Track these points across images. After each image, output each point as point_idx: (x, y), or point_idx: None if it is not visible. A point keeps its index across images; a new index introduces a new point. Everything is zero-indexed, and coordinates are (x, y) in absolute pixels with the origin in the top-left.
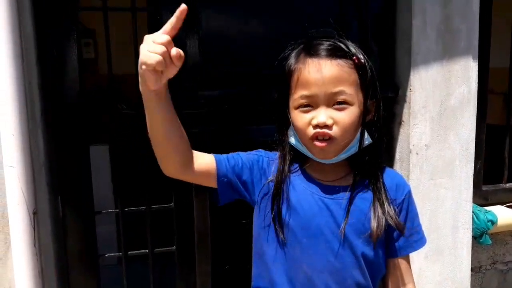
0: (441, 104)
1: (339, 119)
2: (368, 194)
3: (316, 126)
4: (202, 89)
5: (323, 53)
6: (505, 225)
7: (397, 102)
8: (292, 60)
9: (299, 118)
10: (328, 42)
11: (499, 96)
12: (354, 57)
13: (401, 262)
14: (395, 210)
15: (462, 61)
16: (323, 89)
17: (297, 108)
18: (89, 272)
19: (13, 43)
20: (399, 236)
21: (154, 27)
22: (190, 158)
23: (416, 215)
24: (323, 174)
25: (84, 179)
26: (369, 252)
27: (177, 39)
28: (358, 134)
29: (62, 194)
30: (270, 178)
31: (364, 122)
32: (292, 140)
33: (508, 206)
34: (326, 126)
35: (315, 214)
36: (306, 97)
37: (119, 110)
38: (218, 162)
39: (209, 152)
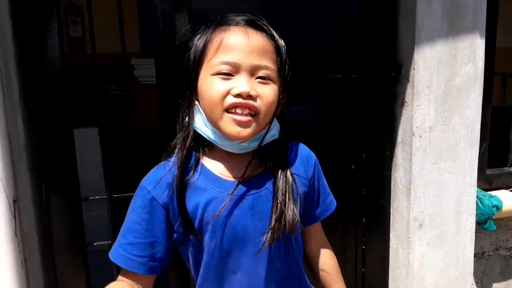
0: (446, 84)
1: (262, 93)
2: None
3: (238, 96)
4: None
5: (245, 22)
6: (509, 210)
7: (400, 81)
8: (208, 32)
9: (216, 85)
10: (248, 16)
11: (497, 76)
12: (276, 38)
13: (318, 226)
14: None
15: (469, 38)
16: (248, 58)
17: (214, 74)
18: (76, 260)
19: None
20: (317, 205)
21: (143, 4)
22: None
23: (323, 177)
24: (226, 170)
25: (69, 163)
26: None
27: (164, 13)
28: (273, 123)
29: (46, 179)
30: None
31: (276, 111)
32: (198, 123)
33: None
34: (249, 97)
35: (232, 217)
36: (228, 63)
37: (108, 91)
38: (146, 271)
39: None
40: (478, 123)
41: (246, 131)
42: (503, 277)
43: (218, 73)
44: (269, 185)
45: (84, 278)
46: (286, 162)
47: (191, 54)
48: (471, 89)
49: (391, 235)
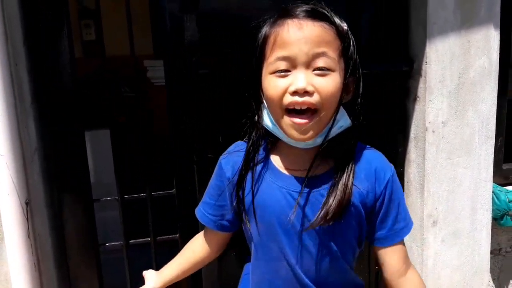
0: (459, 78)
1: (320, 86)
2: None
3: (295, 93)
4: (201, 68)
5: (303, 14)
6: None
7: (412, 76)
8: (267, 27)
9: (274, 84)
10: (307, 5)
11: None
12: (338, 24)
13: (393, 250)
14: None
15: (483, 30)
16: (303, 49)
17: (272, 73)
18: (89, 262)
19: None
20: (381, 228)
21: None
22: (214, 251)
23: (401, 199)
24: (291, 163)
25: (80, 165)
26: (336, 242)
27: (172, 14)
28: (339, 114)
29: (58, 181)
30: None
31: (341, 100)
32: (265, 120)
33: None
34: (306, 93)
35: (284, 210)
36: (284, 58)
37: (121, 93)
38: (217, 228)
39: None
40: (493, 117)
41: (307, 135)
42: None
43: (276, 71)
44: (324, 189)
45: (97, 279)
46: (351, 170)
47: (255, 50)
48: (486, 82)
49: None
